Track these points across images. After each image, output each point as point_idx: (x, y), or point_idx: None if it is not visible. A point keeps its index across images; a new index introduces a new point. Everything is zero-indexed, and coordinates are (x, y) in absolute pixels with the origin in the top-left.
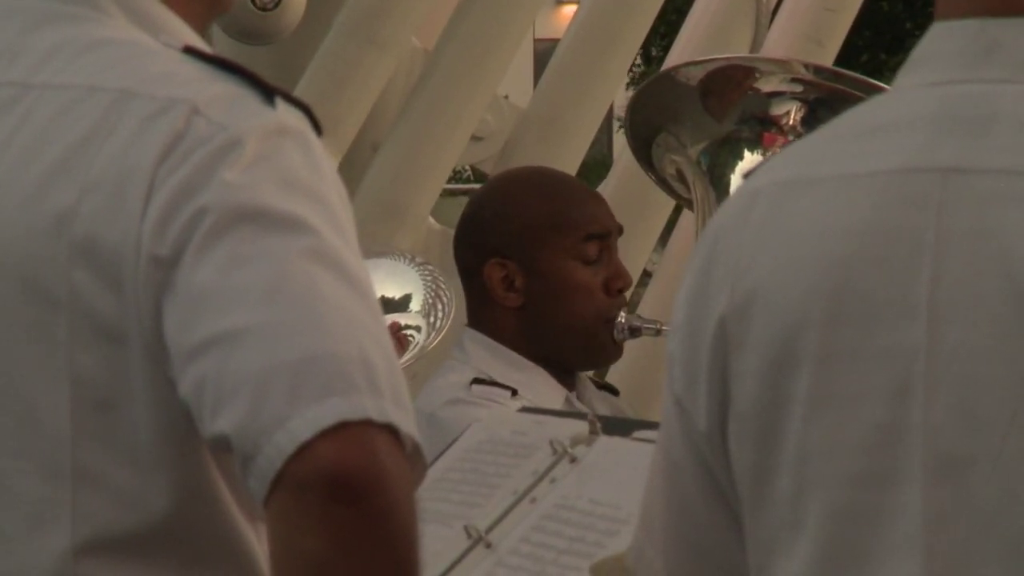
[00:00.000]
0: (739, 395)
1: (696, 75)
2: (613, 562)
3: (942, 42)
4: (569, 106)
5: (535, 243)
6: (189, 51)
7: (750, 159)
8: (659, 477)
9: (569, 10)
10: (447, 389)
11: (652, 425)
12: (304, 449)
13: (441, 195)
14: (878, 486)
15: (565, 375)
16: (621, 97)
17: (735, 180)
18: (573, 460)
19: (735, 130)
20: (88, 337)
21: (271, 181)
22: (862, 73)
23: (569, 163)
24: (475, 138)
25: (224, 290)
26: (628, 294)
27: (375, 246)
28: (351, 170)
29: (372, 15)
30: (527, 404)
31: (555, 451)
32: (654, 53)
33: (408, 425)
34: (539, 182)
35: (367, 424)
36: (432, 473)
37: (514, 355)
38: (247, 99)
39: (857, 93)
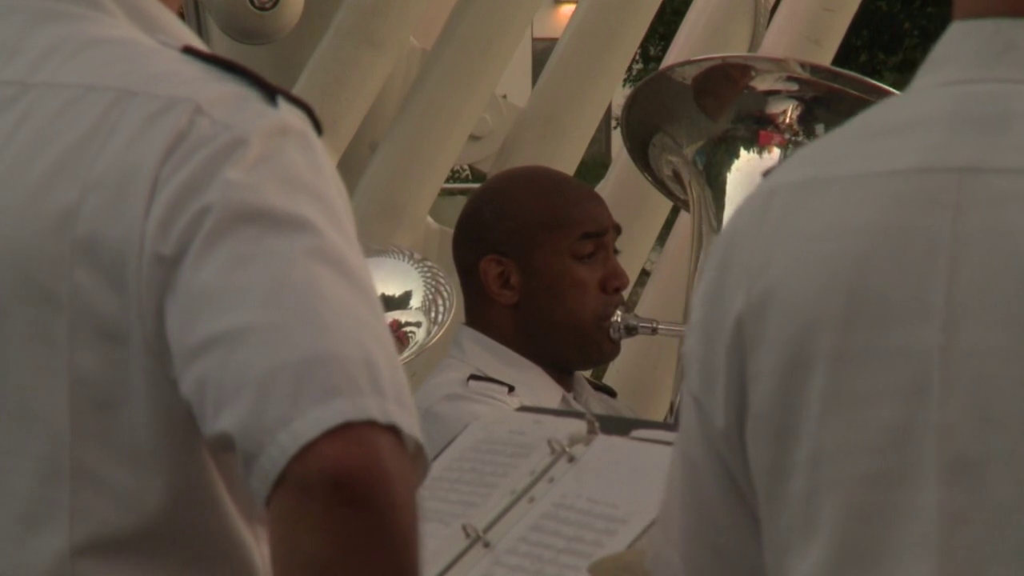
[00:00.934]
0: (756, 395)
1: (691, 74)
2: (612, 561)
3: (959, 42)
4: (567, 105)
5: (531, 241)
6: (189, 51)
7: (746, 158)
8: (678, 479)
9: (567, 9)
10: (444, 385)
11: (650, 424)
12: (307, 449)
13: (439, 194)
14: (892, 486)
15: (562, 375)
16: (619, 96)
17: (731, 179)
18: (571, 459)
19: (731, 129)
20: (89, 337)
21: (274, 181)
22: (860, 73)
23: (567, 162)
24: (473, 137)
25: (227, 289)
26: (626, 293)
27: (374, 245)
28: (349, 170)
29: (370, 15)
30: (524, 402)
31: (553, 450)
32: (652, 52)
33: (411, 426)
34: (537, 181)
35: (370, 425)
36: (430, 472)
37: (511, 354)
38: (250, 99)
39: (854, 92)
